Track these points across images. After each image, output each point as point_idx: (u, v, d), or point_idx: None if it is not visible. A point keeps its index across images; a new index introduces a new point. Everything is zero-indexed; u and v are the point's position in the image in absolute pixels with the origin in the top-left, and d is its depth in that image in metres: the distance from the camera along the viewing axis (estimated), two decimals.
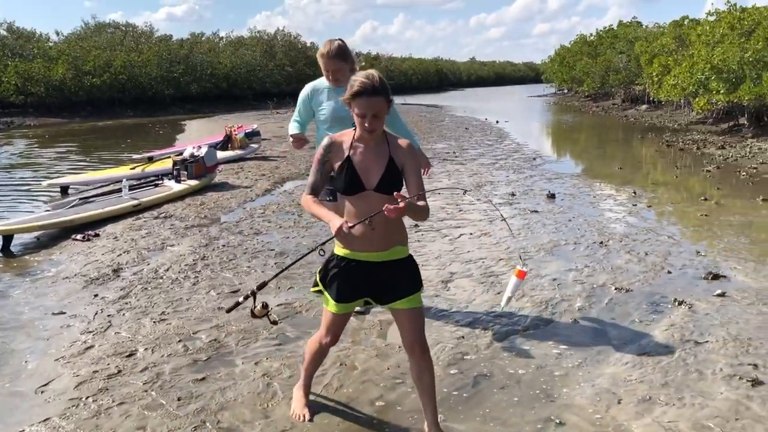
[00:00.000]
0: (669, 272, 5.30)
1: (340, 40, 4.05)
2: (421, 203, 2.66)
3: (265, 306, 2.99)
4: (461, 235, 6.64)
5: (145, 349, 3.91)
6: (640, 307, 4.57)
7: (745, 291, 4.80)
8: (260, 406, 3.25)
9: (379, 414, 3.19)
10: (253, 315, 2.99)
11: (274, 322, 3.18)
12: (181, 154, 10.21)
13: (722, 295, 4.71)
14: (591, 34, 40.79)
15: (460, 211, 7.80)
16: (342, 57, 4.01)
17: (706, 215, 7.42)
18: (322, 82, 4.18)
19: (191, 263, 5.66)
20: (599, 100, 36.57)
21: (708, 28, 17.89)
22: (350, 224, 2.61)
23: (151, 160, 11.96)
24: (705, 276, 5.15)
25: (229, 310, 3.23)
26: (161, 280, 5.22)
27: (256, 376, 3.54)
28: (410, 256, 2.86)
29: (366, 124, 2.64)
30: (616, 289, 4.92)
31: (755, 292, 4.77)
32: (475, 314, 4.46)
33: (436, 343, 3.95)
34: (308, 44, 55.39)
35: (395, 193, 2.53)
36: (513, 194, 8.86)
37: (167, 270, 5.48)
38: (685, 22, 23.08)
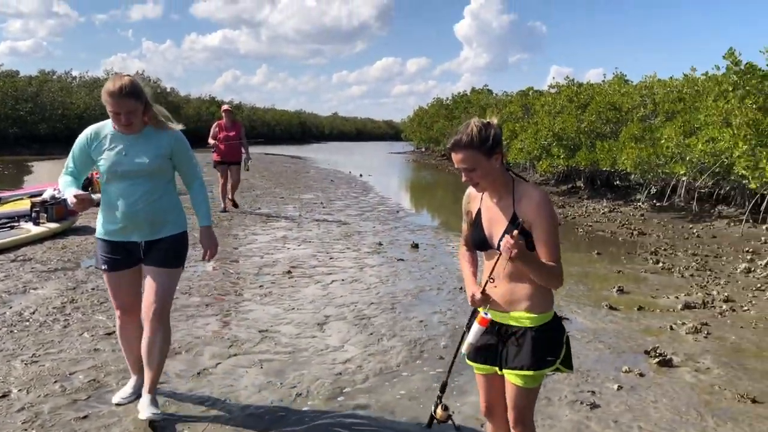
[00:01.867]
0: None
1: (131, 75, 3.35)
2: (547, 262, 2.39)
3: (446, 408, 2.76)
4: (333, 281, 6.95)
5: (19, 390, 3.82)
6: None
7: (584, 331, 5.47)
8: None
9: None
10: (434, 420, 2.78)
11: (458, 429, 3.00)
12: (38, 195, 9.78)
13: None
14: (447, 98, 43.46)
15: (330, 258, 8.12)
16: (136, 95, 3.27)
17: None
18: (107, 125, 3.44)
19: (59, 306, 5.50)
20: None
21: (550, 99, 19.88)
22: (480, 290, 2.48)
23: None
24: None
25: (429, 425, 2.87)
26: (28, 323, 5.05)
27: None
28: (542, 328, 2.51)
29: (463, 178, 2.51)
30: None
31: (592, 331, 5.46)
32: (350, 353, 4.75)
33: (315, 379, 4.20)
34: (168, 89, 54.38)
35: (513, 233, 2.30)
36: (380, 244, 9.33)
37: (33, 313, 5.30)
38: (530, 93, 25.39)
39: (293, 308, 5.83)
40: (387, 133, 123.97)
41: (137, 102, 3.29)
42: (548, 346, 2.50)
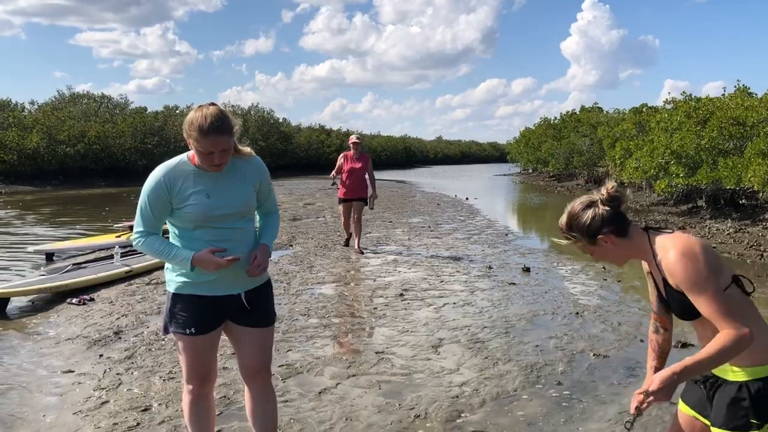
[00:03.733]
0: (641, 340, 5.69)
1: (216, 104, 2.73)
2: (717, 337, 2.01)
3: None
4: (445, 304, 6.99)
5: (159, 404, 4.12)
6: (617, 371, 4.93)
7: None
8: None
9: None
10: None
11: None
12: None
13: None
14: (555, 118, 42.72)
15: (441, 282, 8.17)
16: (230, 131, 2.69)
17: None
18: (181, 163, 2.81)
19: None
20: (563, 180, 37.92)
21: (666, 115, 19.09)
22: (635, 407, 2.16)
23: (132, 229, 12.16)
24: (675, 344, 5.56)
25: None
26: (163, 342, 5.43)
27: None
28: (753, 383, 2.10)
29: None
30: (594, 355, 5.28)
31: None
32: (466, 376, 4.77)
33: (432, 402, 4.25)
34: (281, 120, 56.86)
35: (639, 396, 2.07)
36: (490, 267, 9.28)
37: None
38: (644, 110, 24.49)
39: (407, 330, 5.92)
40: (492, 155, 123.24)
41: (231, 137, 2.69)
42: (754, 405, 2.08)
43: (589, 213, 2.27)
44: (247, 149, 2.91)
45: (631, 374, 4.85)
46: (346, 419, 3.97)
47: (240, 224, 2.85)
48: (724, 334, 1.99)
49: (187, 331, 2.85)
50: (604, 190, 2.27)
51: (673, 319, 2.46)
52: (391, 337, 5.71)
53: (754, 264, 9.87)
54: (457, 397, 4.37)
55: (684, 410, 2.37)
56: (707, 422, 2.24)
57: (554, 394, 4.44)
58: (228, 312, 2.90)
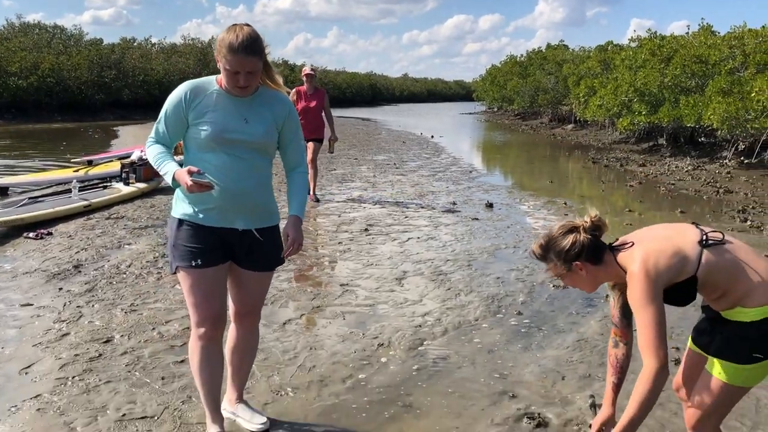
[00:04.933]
0: None
1: (250, 26, 2.64)
2: (640, 384, 2.18)
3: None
4: (409, 239, 7.02)
5: (121, 336, 4.10)
6: (576, 301, 5.05)
7: None
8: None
9: (349, 391, 3.51)
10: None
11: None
12: (127, 157, 10.27)
13: None
14: (521, 55, 42.42)
15: (406, 217, 8.20)
16: (260, 52, 2.61)
17: (630, 224, 8.08)
18: (211, 82, 2.72)
19: (152, 260, 5.82)
20: (528, 118, 38.01)
21: (631, 53, 19.10)
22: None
23: (90, 163, 11.92)
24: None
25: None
26: (124, 275, 5.37)
27: None
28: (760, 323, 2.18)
29: None
30: (554, 286, 5.40)
31: None
32: (429, 307, 4.84)
33: (396, 331, 4.31)
34: None
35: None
36: (454, 203, 9.33)
37: (129, 266, 5.63)
38: (609, 48, 24.46)
39: (372, 264, 5.95)
40: (458, 93, 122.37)
41: (260, 60, 2.60)
42: (759, 341, 2.18)
43: (570, 239, 2.28)
44: (280, 79, 2.78)
45: (589, 305, 4.97)
46: (311, 348, 4.01)
47: (251, 156, 2.69)
48: (645, 374, 2.14)
49: (194, 263, 2.66)
50: (587, 218, 2.30)
51: (632, 334, 2.49)
52: (356, 270, 5.74)
53: (710, 200, 10.11)
54: (420, 326, 4.44)
55: (693, 347, 2.47)
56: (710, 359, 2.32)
57: (514, 323, 4.54)
58: (234, 250, 2.76)
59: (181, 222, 2.70)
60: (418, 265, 5.95)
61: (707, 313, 2.39)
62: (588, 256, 2.28)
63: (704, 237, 2.24)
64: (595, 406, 3.19)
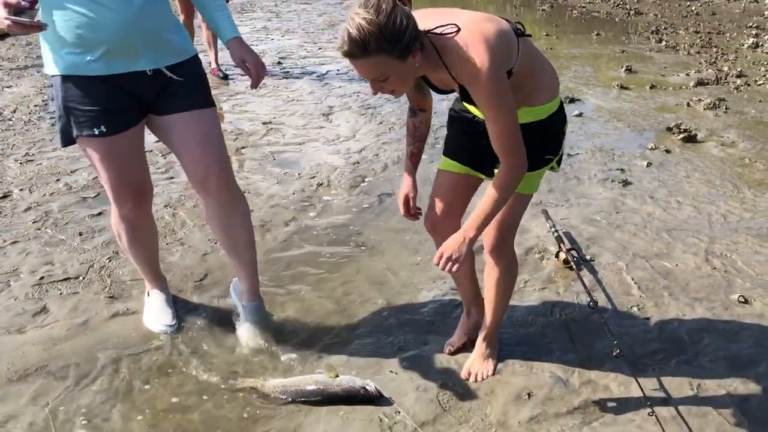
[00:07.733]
0: None
1: None
2: (498, 182, 1.84)
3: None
4: (328, 71, 6.52)
5: (21, 189, 3.57)
6: None
7: (599, 111, 5.27)
8: (172, 233, 3.15)
9: (294, 234, 3.23)
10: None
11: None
12: None
13: (580, 115, 5.13)
14: None
15: (319, 49, 7.60)
16: None
17: (550, 48, 7.87)
18: None
19: (41, 104, 5.08)
20: None
21: None
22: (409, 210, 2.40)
23: None
24: (564, 99, 5.56)
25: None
26: (11, 122, 4.67)
27: (158, 208, 3.38)
28: (543, 122, 1.98)
29: (372, 91, 1.80)
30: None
31: (608, 111, 5.25)
32: (363, 142, 4.52)
33: (333, 169, 4.00)
34: None
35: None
36: None
37: (14, 111, 4.89)
38: None
39: (293, 99, 5.48)
40: None
41: None
42: (549, 141, 1.98)
43: (399, 15, 1.60)
44: None
45: None
46: (244, 191, 3.64)
47: None
48: (507, 170, 1.79)
49: (96, 131, 2.04)
50: None
51: (432, 101, 2.18)
52: (277, 107, 5.26)
53: (622, 22, 10.00)
54: (358, 162, 4.14)
55: (453, 169, 2.17)
56: (482, 176, 2.12)
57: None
58: (145, 98, 2.10)
59: (66, 78, 1.99)
60: (343, 99, 5.53)
61: (470, 126, 2.07)
62: (419, 36, 1.67)
63: (516, 26, 1.82)
64: (557, 232, 3.08)
